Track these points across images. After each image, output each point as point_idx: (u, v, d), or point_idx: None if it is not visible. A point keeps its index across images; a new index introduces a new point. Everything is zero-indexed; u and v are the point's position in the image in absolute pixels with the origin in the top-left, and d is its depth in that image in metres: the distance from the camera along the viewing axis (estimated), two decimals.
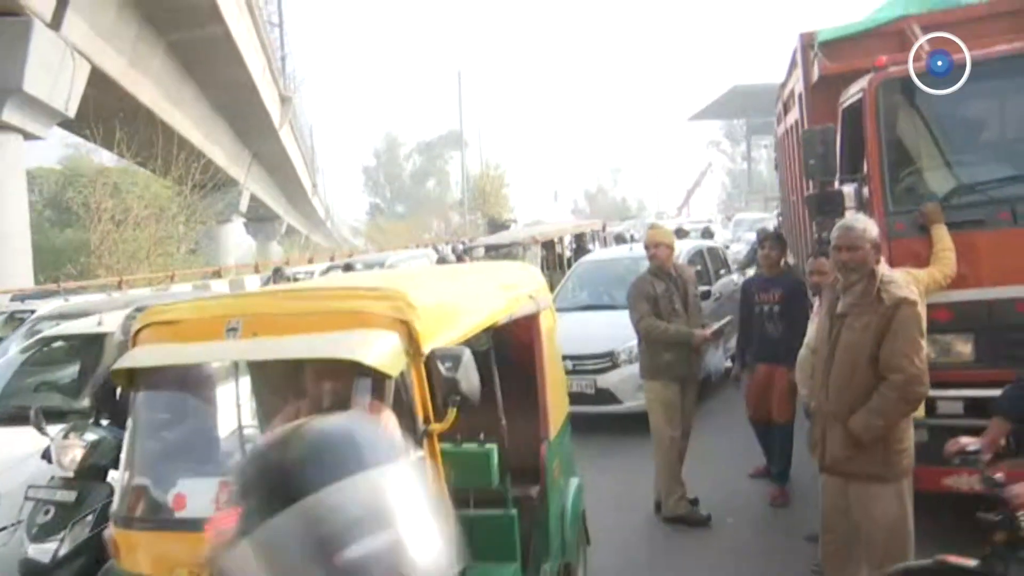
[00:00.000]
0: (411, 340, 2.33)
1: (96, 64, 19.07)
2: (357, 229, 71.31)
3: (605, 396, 6.87)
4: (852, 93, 5.11)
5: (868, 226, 3.39)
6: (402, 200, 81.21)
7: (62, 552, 3.52)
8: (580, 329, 7.33)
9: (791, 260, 6.74)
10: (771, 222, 20.06)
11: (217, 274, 21.40)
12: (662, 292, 5.24)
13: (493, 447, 3.01)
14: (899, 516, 3.26)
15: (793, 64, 7.33)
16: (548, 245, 11.51)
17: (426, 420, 2.33)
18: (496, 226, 27.26)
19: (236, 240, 42.89)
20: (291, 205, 53.09)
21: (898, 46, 5.60)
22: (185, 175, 24.40)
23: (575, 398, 6.29)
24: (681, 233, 16.79)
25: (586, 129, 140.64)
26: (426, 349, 2.34)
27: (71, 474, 3.72)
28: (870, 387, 3.21)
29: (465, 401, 2.28)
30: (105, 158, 27.81)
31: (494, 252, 10.74)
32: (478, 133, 75.83)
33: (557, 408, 3.67)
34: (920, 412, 3.64)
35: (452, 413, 2.29)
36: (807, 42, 6.41)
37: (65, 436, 3.82)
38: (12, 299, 14.56)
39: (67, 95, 18.23)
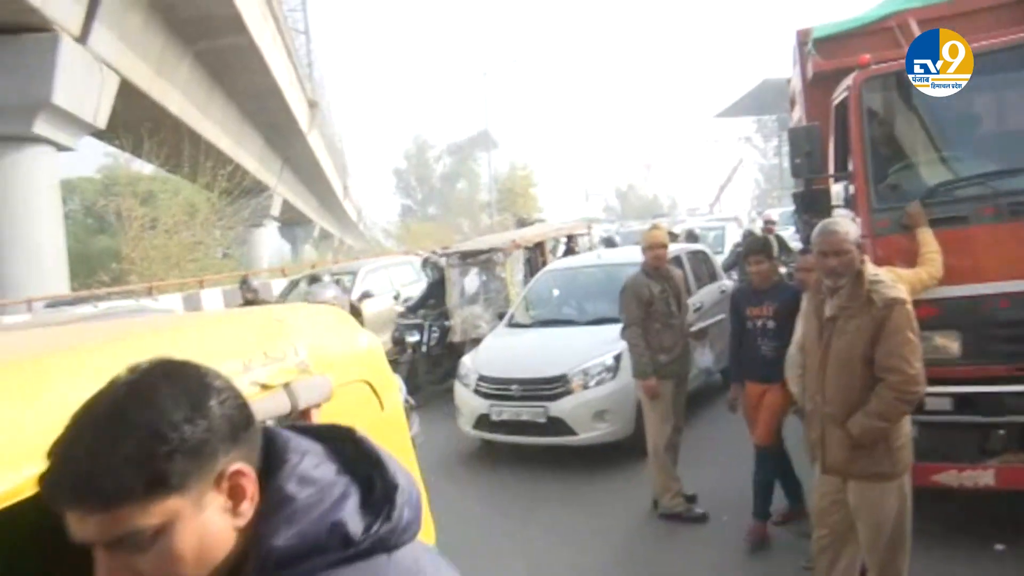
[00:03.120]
0: None
1: (124, 75, 19.52)
2: (389, 231, 71.81)
3: (558, 426, 6.01)
4: (841, 90, 5.06)
5: (849, 228, 3.36)
6: (433, 201, 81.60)
7: None
8: (532, 349, 6.79)
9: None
10: (734, 226, 19.48)
11: (244, 279, 21.71)
12: (659, 293, 5.23)
13: None
14: (900, 511, 3.25)
15: (793, 61, 7.26)
16: (534, 248, 10.57)
17: None
18: (525, 226, 27.35)
19: (269, 244, 43.58)
20: (323, 208, 53.73)
21: (892, 42, 5.52)
22: (213, 181, 24.86)
23: (524, 428, 6.13)
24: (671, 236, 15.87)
25: (616, 126, 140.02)
26: None
27: None
28: (867, 388, 3.19)
29: None
30: (141, 166, 28.47)
31: (471, 259, 9.80)
32: (507, 134, 75.82)
33: None
34: None
35: None
36: (803, 39, 6.35)
37: None
38: (46, 306, 15.01)
39: (96, 106, 18.68)
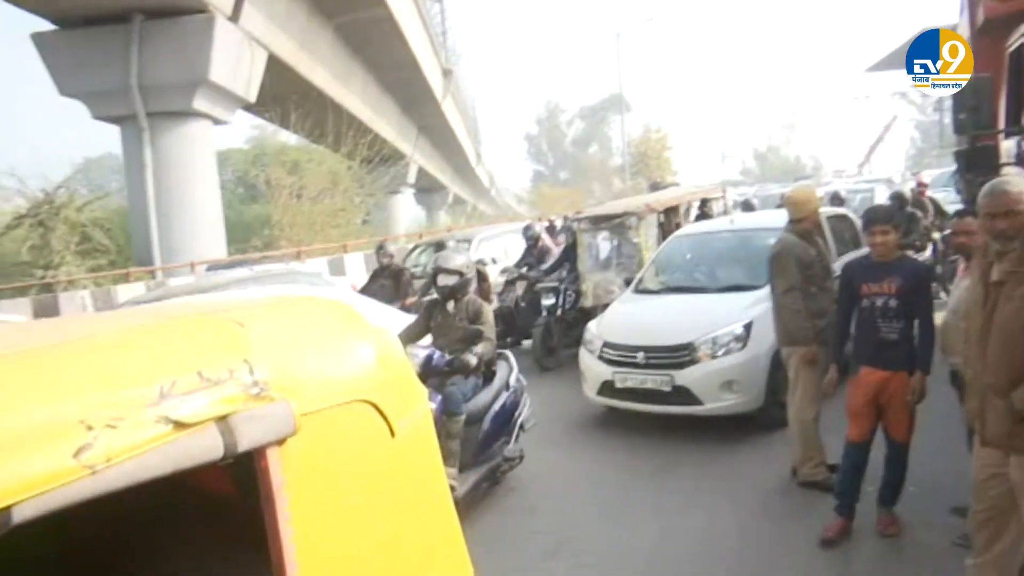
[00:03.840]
0: None
1: (272, 51, 20.55)
2: (521, 197, 72.43)
3: (683, 395, 5.87)
4: (1017, 36, 4.60)
5: (1022, 187, 3.06)
6: (565, 166, 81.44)
7: None
8: (658, 316, 6.65)
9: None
10: (883, 189, 17.90)
11: (380, 245, 22.49)
12: (816, 257, 4.98)
13: None
14: None
15: (960, 7, 6.66)
16: (668, 213, 10.19)
17: None
18: (658, 190, 26.76)
19: (406, 210, 45.03)
20: (457, 175, 54.82)
21: None
22: (354, 150, 25.89)
23: (649, 395, 6.00)
24: (748, 206, 14.58)
25: (756, 84, 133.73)
26: None
27: None
28: None
29: None
30: (287, 137, 30.03)
31: (604, 224, 9.57)
32: (641, 96, 74.34)
33: None
34: None
35: None
36: None
37: None
38: (207, 269, 16.21)
39: (247, 81, 19.82)
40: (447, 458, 4.24)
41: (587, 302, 8.82)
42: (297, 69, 22.60)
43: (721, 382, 5.75)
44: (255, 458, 1.25)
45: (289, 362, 1.36)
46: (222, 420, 1.18)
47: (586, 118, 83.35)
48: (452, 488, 4.08)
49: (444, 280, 5.14)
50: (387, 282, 9.47)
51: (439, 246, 10.40)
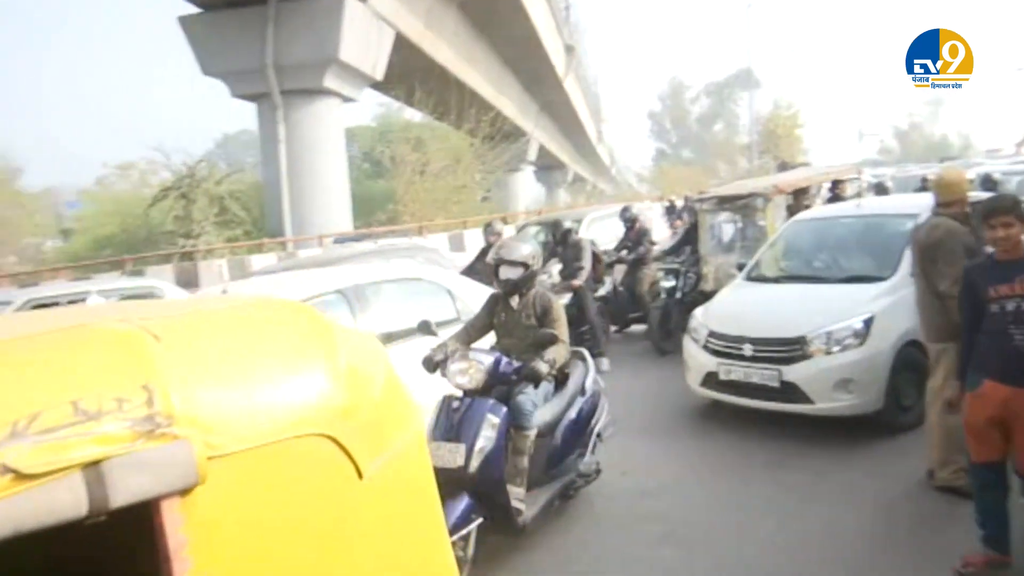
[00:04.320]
0: None
1: (399, 29, 20.96)
2: (642, 176, 71.28)
3: (792, 392, 5.43)
4: None
5: None
6: (688, 144, 79.45)
7: None
8: (770, 306, 6.19)
9: None
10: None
11: (504, 220, 22.72)
12: (977, 245, 4.53)
13: None
14: None
15: None
16: (797, 195, 9.55)
17: None
18: (786, 171, 25.73)
19: (526, 188, 45.23)
20: (577, 153, 54.51)
21: None
22: (476, 127, 26.14)
23: (755, 390, 5.64)
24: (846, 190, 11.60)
25: (897, 57, 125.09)
26: None
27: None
28: None
29: None
30: (411, 114, 30.71)
31: (728, 205, 9.08)
32: (771, 71, 71.20)
33: None
34: None
35: None
36: None
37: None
38: (335, 241, 16.84)
39: (375, 60, 20.33)
40: (514, 477, 3.88)
41: (707, 285, 8.53)
42: (422, 47, 22.97)
43: (835, 380, 5.34)
44: (154, 515, 0.99)
45: (214, 387, 1.08)
46: (92, 467, 0.92)
47: (712, 95, 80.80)
48: (519, 511, 3.84)
49: (506, 273, 4.40)
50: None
51: (555, 225, 10.23)
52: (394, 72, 21.66)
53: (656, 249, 10.29)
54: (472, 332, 4.49)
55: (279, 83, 19.03)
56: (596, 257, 8.80)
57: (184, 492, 0.99)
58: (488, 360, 3.96)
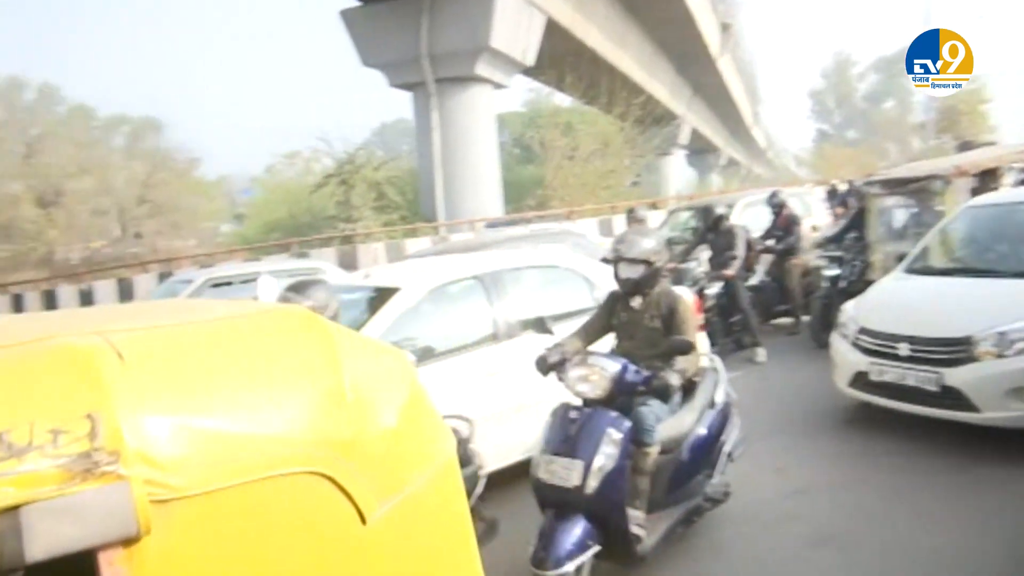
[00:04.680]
0: None
1: (549, 14, 20.97)
2: (801, 159, 67.78)
3: (954, 398, 4.87)
4: None
5: None
6: (853, 125, 74.62)
7: None
8: (931, 302, 5.56)
9: None
10: None
11: (654, 206, 22.26)
12: None
13: None
14: None
15: None
16: (983, 177, 8.43)
17: None
18: (968, 150, 23.67)
19: (677, 172, 44.17)
20: (731, 136, 52.66)
21: None
22: (627, 111, 25.76)
23: (910, 394, 5.08)
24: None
25: None
26: None
27: None
28: None
29: None
30: (561, 99, 30.69)
31: (900, 189, 8.18)
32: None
33: None
34: None
35: None
36: None
37: None
38: (487, 226, 17.14)
39: (525, 46, 20.47)
40: (632, 499, 3.45)
41: (875, 275, 7.91)
42: (572, 31, 22.86)
43: (1008, 388, 4.67)
44: (93, 566, 0.84)
45: (180, 415, 0.92)
46: (6, 514, 0.79)
47: (881, 71, 75.30)
48: (638, 538, 3.43)
49: (626, 272, 3.91)
50: None
51: (706, 211, 9.80)
52: (544, 57, 21.70)
53: (818, 236, 9.72)
54: (589, 333, 4.09)
55: (433, 72, 19.57)
56: (749, 245, 8.38)
57: (127, 543, 0.85)
58: (614, 367, 3.51)
